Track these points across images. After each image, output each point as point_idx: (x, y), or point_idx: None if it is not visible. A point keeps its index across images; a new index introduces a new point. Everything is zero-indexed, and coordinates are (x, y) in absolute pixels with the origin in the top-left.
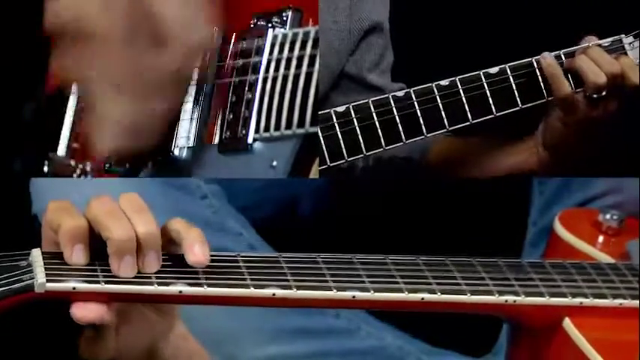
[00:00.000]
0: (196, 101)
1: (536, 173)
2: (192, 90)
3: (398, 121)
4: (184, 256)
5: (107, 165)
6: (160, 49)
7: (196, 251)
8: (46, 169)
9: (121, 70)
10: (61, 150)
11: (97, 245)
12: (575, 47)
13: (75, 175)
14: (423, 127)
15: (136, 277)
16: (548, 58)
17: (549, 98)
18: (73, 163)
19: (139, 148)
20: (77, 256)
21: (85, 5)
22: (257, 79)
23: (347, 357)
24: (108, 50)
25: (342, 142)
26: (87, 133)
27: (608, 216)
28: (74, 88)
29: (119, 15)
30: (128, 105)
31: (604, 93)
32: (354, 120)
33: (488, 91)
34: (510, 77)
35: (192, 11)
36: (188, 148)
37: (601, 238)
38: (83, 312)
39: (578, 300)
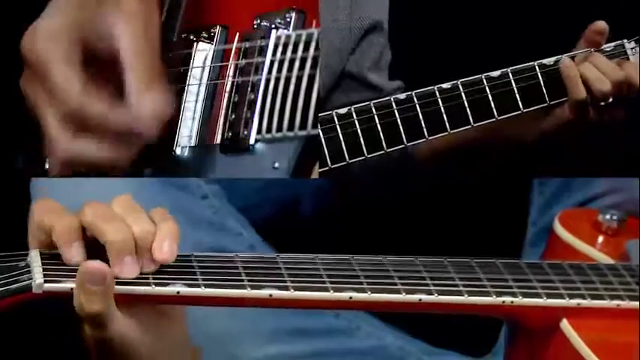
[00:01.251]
0: (199, 101)
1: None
2: (194, 89)
3: (399, 123)
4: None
5: None
6: (104, 138)
7: (164, 249)
8: (47, 167)
9: (61, 139)
10: None
11: (93, 248)
12: (577, 52)
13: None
14: (425, 129)
15: (133, 278)
16: (566, 60)
17: (551, 102)
18: None
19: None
20: (77, 252)
21: (43, 46)
22: (260, 79)
23: (347, 357)
24: (56, 110)
25: (343, 144)
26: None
27: (608, 216)
28: None
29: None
30: (69, 143)
31: (610, 100)
32: (356, 122)
33: (490, 95)
34: (512, 81)
35: (152, 76)
36: (190, 147)
37: (601, 239)
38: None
39: (575, 301)
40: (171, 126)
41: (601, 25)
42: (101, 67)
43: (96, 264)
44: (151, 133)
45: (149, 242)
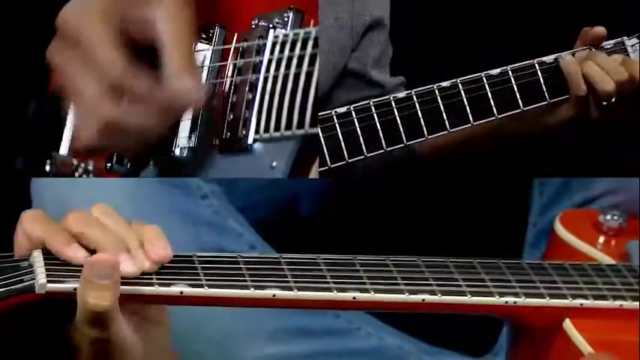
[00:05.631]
0: None
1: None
2: None
3: (399, 122)
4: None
5: (109, 165)
6: (145, 106)
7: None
8: (48, 168)
9: (99, 106)
10: (64, 149)
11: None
12: (578, 49)
13: (77, 175)
14: (424, 128)
15: (136, 278)
16: (567, 56)
17: (551, 101)
18: (75, 162)
19: (118, 149)
20: (78, 249)
21: (89, 24)
22: (258, 79)
23: (347, 357)
24: (95, 80)
25: (342, 143)
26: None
27: (608, 216)
28: None
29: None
30: (113, 108)
31: (613, 100)
32: (355, 121)
33: (489, 93)
34: (512, 79)
35: (190, 78)
36: (189, 148)
37: (601, 239)
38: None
39: (578, 301)
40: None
41: (599, 30)
42: (136, 50)
43: (102, 256)
44: (197, 102)
45: (133, 242)
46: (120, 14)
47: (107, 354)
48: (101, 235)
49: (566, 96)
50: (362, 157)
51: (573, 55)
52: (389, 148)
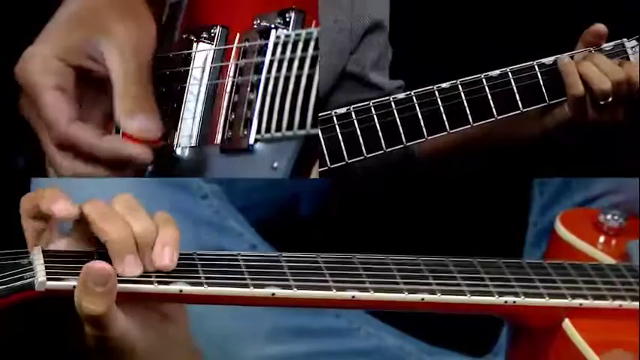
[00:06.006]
0: (199, 101)
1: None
2: (194, 89)
3: (399, 123)
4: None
5: None
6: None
7: (165, 256)
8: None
9: (58, 160)
10: None
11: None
12: (577, 51)
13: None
14: (424, 129)
15: (136, 277)
16: (565, 57)
17: (550, 102)
18: None
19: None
20: (63, 204)
21: (32, 76)
22: (259, 79)
23: (347, 357)
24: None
25: (342, 143)
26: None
27: (609, 216)
28: None
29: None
30: (67, 164)
31: (610, 99)
32: (355, 122)
33: (489, 94)
34: (512, 80)
35: (140, 101)
36: (190, 147)
37: (602, 239)
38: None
39: (577, 301)
40: (171, 126)
41: (600, 27)
42: (99, 87)
43: (100, 264)
44: (141, 158)
45: (150, 241)
46: (71, 56)
47: (112, 350)
48: (113, 230)
49: (565, 97)
50: (362, 157)
51: (572, 57)
52: (389, 149)
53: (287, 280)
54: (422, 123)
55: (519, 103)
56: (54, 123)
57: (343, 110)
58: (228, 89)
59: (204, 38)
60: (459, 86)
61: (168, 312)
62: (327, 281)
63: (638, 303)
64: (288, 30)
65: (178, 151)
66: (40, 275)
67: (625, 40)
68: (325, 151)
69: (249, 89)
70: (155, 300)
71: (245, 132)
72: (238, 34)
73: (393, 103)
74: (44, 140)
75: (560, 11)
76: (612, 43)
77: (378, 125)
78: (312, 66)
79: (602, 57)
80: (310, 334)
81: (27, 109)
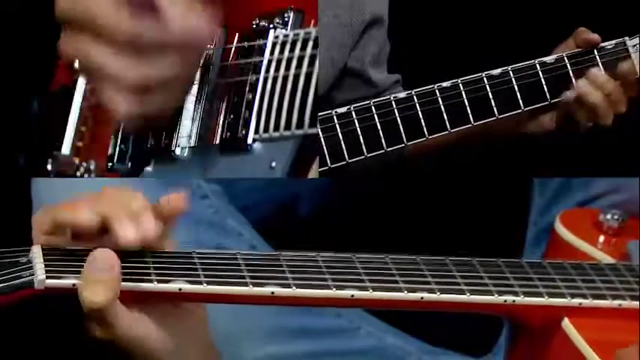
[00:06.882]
0: (198, 101)
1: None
2: (194, 89)
3: (399, 122)
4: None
5: (110, 164)
6: (164, 53)
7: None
8: (49, 167)
9: (125, 70)
10: (66, 148)
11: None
12: (576, 51)
13: (78, 174)
14: (425, 128)
15: (135, 275)
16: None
17: (552, 101)
18: (77, 161)
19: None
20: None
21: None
22: (258, 79)
23: (347, 357)
24: (113, 47)
25: (343, 143)
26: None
27: (609, 216)
28: (79, 84)
29: (127, 16)
30: (138, 68)
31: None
32: (356, 121)
33: (490, 93)
34: (513, 79)
35: (195, 15)
36: (189, 148)
37: (602, 238)
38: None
39: (577, 301)
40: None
41: (594, 37)
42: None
43: (105, 251)
44: (202, 38)
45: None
46: None
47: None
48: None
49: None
50: (362, 157)
51: (572, 57)
52: (389, 149)
53: (286, 278)
54: (423, 122)
55: (520, 102)
56: (115, 23)
57: (344, 109)
58: (227, 89)
59: None
60: (460, 85)
61: (185, 306)
62: (326, 280)
63: (637, 302)
64: (286, 30)
65: (177, 152)
66: (39, 273)
67: (627, 38)
68: (326, 151)
69: (247, 89)
70: (154, 298)
71: (243, 132)
72: (237, 34)
73: (394, 102)
74: (105, 61)
75: (561, 10)
76: (614, 42)
77: (378, 125)
78: (311, 64)
79: (598, 74)
80: (310, 334)
81: (75, 42)
